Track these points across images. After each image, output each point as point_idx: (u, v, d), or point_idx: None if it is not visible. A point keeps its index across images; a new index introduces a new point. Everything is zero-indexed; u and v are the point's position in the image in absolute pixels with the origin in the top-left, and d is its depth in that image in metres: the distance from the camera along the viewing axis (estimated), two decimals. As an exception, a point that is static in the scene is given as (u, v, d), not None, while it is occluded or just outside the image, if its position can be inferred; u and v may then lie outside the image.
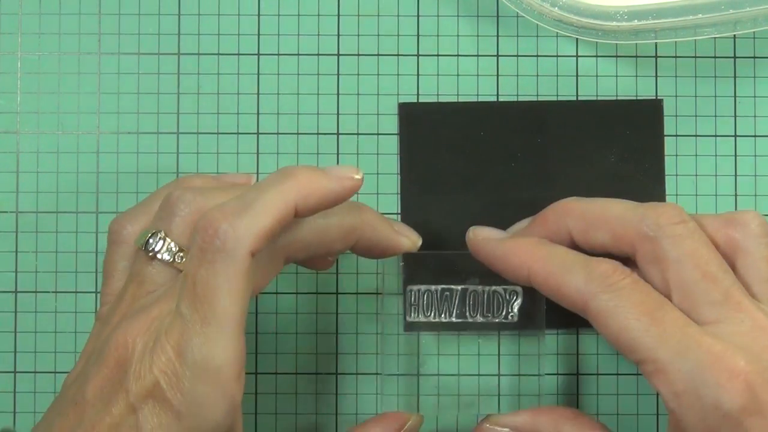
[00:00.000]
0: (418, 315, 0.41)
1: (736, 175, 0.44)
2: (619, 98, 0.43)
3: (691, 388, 0.33)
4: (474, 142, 0.42)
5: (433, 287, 0.40)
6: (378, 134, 0.44)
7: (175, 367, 0.31)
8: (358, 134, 0.44)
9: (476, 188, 0.42)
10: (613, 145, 0.42)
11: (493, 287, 0.40)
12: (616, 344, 0.34)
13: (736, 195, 0.44)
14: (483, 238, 0.39)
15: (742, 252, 0.36)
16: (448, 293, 0.40)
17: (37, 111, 0.44)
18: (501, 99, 0.43)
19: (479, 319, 0.40)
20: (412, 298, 0.41)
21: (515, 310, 0.40)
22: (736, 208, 0.44)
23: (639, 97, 0.43)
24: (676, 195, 0.44)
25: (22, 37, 0.44)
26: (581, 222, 0.37)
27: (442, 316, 0.40)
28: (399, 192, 0.43)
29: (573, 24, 0.41)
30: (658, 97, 0.41)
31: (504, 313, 0.40)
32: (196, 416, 0.31)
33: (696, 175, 0.44)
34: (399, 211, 0.43)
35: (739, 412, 0.32)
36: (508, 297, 0.40)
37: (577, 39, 0.43)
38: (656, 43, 0.43)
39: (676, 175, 0.44)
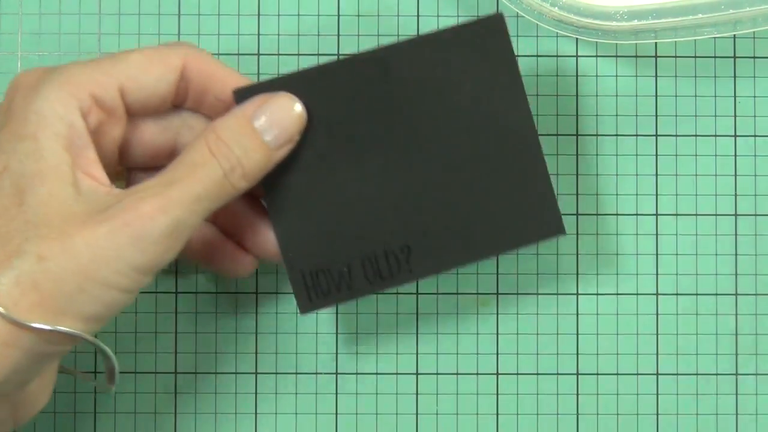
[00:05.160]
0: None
1: (735, 175, 0.44)
2: (459, 23, 0.37)
3: None
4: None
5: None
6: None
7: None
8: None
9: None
10: (466, 78, 0.36)
11: None
12: None
13: (735, 195, 0.44)
14: None
15: None
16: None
17: (37, 111, 0.44)
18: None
19: None
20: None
21: None
22: (735, 209, 0.44)
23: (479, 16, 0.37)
24: (676, 194, 0.44)
25: (22, 37, 0.44)
26: None
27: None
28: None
29: (573, 24, 0.41)
30: (498, 12, 0.37)
31: None
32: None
33: (696, 175, 0.44)
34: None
35: None
36: None
37: (577, 39, 0.43)
38: (656, 43, 0.43)
39: (676, 175, 0.44)
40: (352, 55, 0.36)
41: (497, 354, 0.44)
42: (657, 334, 0.44)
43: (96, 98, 0.32)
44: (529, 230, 0.36)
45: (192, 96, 0.35)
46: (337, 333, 0.44)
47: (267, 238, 0.37)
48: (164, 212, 0.31)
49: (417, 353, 0.44)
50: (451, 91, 0.36)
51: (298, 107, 0.35)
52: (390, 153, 0.36)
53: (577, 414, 0.44)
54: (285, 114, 0.34)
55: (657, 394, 0.44)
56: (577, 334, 0.44)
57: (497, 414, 0.44)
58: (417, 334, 0.44)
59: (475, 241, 0.36)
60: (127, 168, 0.37)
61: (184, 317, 0.44)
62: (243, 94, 0.34)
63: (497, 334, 0.44)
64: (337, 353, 0.44)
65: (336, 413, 0.44)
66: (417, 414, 0.44)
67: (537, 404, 0.44)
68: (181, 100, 0.35)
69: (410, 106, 0.36)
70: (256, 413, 0.44)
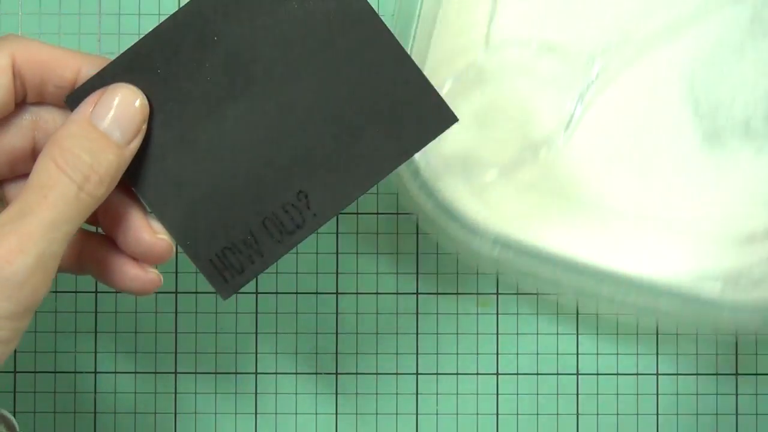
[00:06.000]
0: None
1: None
2: None
3: None
4: None
5: None
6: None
7: None
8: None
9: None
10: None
11: None
12: None
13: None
14: None
15: None
16: None
17: (37, 111, 0.44)
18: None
19: None
20: None
21: None
22: None
23: None
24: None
25: (22, 37, 0.44)
26: None
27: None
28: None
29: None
30: None
31: None
32: None
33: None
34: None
35: None
36: None
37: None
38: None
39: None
40: (170, 15, 0.33)
41: (497, 354, 0.44)
42: (656, 334, 0.44)
43: None
44: (419, 130, 0.34)
45: (31, 91, 0.32)
46: (337, 333, 0.44)
47: (144, 229, 0.33)
48: (21, 251, 0.28)
49: (417, 353, 0.44)
50: (286, 22, 0.33)
51: (135, 93, 0.32)
52: (249, 103, 0.33)
53: (577, 414, 0.44)
54: (125, 104, 0.32)
55: (657, 394, 0.44)
56: (577, 334, 0.44)
57: (497, 414, 0.44)
58: (417, 334, 0.44)
59: (369, 161, 0.34)
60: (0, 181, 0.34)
61: (184, 317, 0.44)
62: (76, 98, 0.32)
63: (497, 334, 0.44)
64: (337, 353, 0.44)
65: (336, 413, 0.44)
66: (417, 414, 0.44)
67: (537, 404, 0.44)
68: (21, 98, 0.32)
69: (251, 47, 0.33)
70: (256, 413, 0.44)
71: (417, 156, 0.39)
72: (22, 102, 0.33)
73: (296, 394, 0.44)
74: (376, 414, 0.44)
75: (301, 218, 0.34)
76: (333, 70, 0.34)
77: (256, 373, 0.44)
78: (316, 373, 0.44)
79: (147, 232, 0.33)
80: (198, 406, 0.44)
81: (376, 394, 0.44)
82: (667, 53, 0.42)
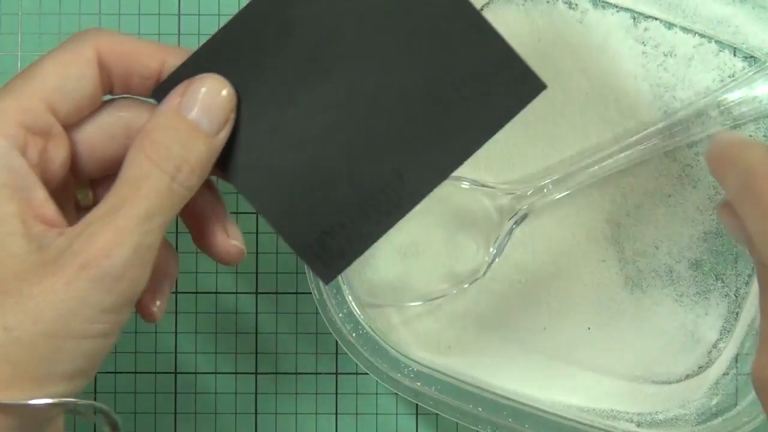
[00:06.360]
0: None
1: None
2: None
3: None
4: None
5: None
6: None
7: None
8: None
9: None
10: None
11: None
12: None
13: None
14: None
15: None
16: None
17: (37, 111, 0.44)
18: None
19: None
20: None
21: None
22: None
23: None
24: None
25: (22, 37, 0.44)
26: None
27: None
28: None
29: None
30: None
31: None
32: None
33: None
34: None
35: None
36: None
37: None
38: None
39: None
40: (249, 2, 0.33)
41: (497, 354, 0.44)
42: None
43: (28, 127, 0.30)
44: (509, 101, 0.33)
45: (117, 82, 0.32)
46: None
47: (220, 233, 0.34)
48: (118, 244, 0.28)
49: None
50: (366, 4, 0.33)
51: (222, 83, 0.32)
52: (334, 86, 0.33)
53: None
54: (212, 94, 0.31)
55: (657, 394, 0.44)
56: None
57: (497, 414, 0.44)
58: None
59: (461, 135, 0.33)
60: (90, 180, 0.34)
61: (184, 317, 0.44)
62: (162, 91, 0.32)
63: (497, 334, 0.44)
64: (337, 353, 0.44)
65: (336, 413, 0.44)
66: (417, 414, 0.44)
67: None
68: (108, 90, 0.33)
69: (332, 28, 0.33)
70: (256, 413, 0.44)
71: (344, 284, 0.40)
72: (108, 93, 0.33)
73: (296, 394, 0.44)
74: (376, 414, 0.44)
75: (397, 197, 0.33)
76: (415, 45, 0.33)
77: (257, 373, 0.44)
78: (317, 373, 0.44)
79: (221, 236, 0.33)
80: (198, 406, 0.44)
81: (377, 394, 0.44)
82: (594, 198, 0.43)
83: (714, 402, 0.42)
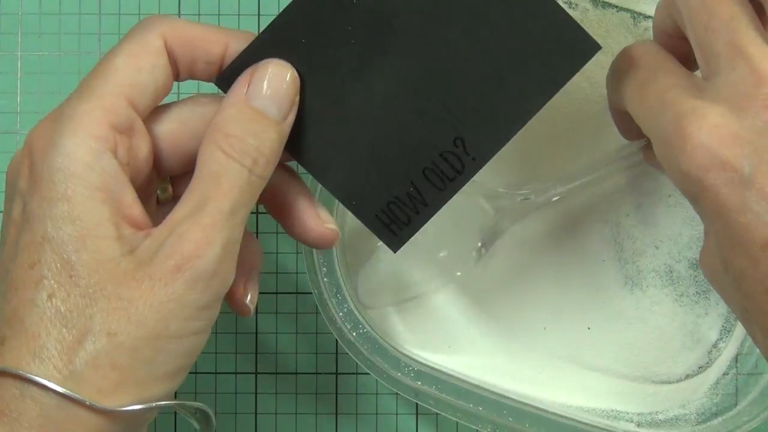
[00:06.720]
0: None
1: None
2: None
3: (663, 155, 0.31)
4: None
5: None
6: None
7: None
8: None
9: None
10: None
11: None
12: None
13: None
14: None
15: None
16: None
17: (38, 111, 0.44)
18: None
19: None
20: None
21: None
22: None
23: None
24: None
25: (22, 37, 0.44)
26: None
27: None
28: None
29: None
30: None
31: None
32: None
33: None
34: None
35: (697, 170, 0.30)
36: None
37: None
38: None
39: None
40: None
41: (497, 354, 0.44)
42: None
43: (115, 126, 0.30)
44: (564, 62, 0.34)
45: (183, 68, 0.32)
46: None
47: (313, 219, 0.34)
48: (208, 243, 0.29)
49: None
50: None
51: (285, 67, 0.32)
52: (394, 59, 0.33)
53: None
54: (277, 80, 0.32)
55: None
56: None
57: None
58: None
59: (520, 99, 0.34)
60: (170, 178, 0.34)
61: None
62: (226, 79, 0.32)
63: (497, 334, 0.44)
64: (337, 353, 0.44)
65: (336, 413, 0.44)
66: (417, 414, 0.44)
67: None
68: (175, 77, 0.33)
69: (389, 1, 0.33)
70: (256, 413, 0.44)
71: (344, 284, 0.40)
72: (176, 79, 0.33)
73: (296, 394, 0.44)
74: (376, 414, 0.44)
75: (460, 164, 0.34)
76: (469, 14, 0.33)
77: (257, 373, 0.44)
78: (316, 373, 0.44)
79: (315, 222, 0.34)
80: (198, 406, 0.44)
81: (377, 394, 0.44)
82: (594, 198, 0.43)
83: (714, 402, 0.42)
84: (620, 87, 0.35)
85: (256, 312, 0.44)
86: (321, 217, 0.34)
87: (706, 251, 0.32)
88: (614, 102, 0.36)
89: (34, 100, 0.44)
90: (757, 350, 0.42)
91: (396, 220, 0.35)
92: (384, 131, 0.34)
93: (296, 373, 0.44)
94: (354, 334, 0.40)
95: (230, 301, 0.34)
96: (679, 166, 0.30)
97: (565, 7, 0.36)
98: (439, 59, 0.33)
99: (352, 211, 0.34)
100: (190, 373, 0.43)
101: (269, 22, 0.32)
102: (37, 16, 0.44)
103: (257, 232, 0.44)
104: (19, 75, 0.44)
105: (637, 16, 0.42)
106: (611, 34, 0.42)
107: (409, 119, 0.34)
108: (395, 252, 0.35)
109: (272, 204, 0.34)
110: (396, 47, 0.33)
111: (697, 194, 0.30)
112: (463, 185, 0.34)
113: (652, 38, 0.37)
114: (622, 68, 0.35)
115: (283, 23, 0.33)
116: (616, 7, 0.42)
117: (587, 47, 0.33)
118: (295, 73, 0.32)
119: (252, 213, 0.43)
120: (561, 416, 0.41)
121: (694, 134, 0.30)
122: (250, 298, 0.34)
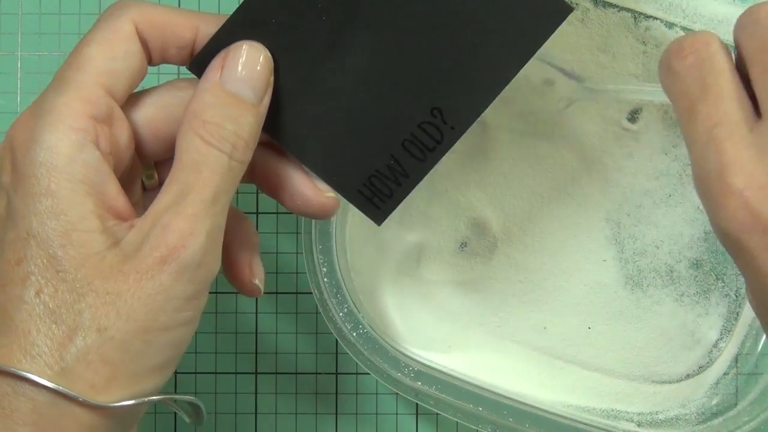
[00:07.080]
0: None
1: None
2: None
3: (703, 195, 0.31)
4: None
5: None
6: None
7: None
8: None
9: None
10: None
11: None
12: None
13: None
14: None
15: None
16: None
17: (37, 111, 0.44)
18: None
19: None
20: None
21: None
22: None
23: None
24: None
25: (22, 37, 0.44)
26: None
27: None
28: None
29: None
30: None
31: None
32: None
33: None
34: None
35: (737, 229, 0.29)
36: None
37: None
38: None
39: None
40: None
41: (497, 354, 0.44)
42: None
43: (95, 117, 0.30)
44: (537, 26, 0.33)
45: (155, 54, 0.32)
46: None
47: (311, 191, 0.34)
48: (192, 234, 0.29)
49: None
50: None
51: (258, 49, 0.32)
52: (366, 33, 0.33)
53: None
54: (251, 62, 0.31)
55: (657, 394, 0.44)
56: None
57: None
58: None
59: (495, 66, 0.33)
60: (154, 163, 0.34)
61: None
62: (199, 63, 0.32)
63: (497, 334, 0.44)
64: (337, 353, 0.44)
65: (336, 413, 0.44)
66: (417, 414, 0.44)
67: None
68: (148, 61, 0.32)
69: None
70: (256, 413, 0.44)
71: (344, 284, 0.40)
72: (150, 64, 0.32)
73: (296, 394, 0.44)
74: (376, 414, 0.44)
75: (439, 133, 0.34)
76: None
77: (257, 373, 0.44)
78: (316, 373, 0.44)
79: (314, 192, 0.34)
80: (198, 406, 0.44)
81: (377, 394, 0.44)
82: (594, 198, 0.43)
83: (714, 402, 0.42)
84: (670, 86, 0.33)
85: (256, 312, 0.44)
86: (319, 187, 0.34)
87: (747, 294, 0.32)
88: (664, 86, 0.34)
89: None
90: (758, 350, 0.42)
91: (378, 194, 0.34)
92: (360, 106, 0.34)
93: (296, 373, 0.44)
94: (354, 334, 0.40)
95: (239, 284, 0.34)
96: (718, 219, 0.30)
97: None
98: (410, 31, 0.33)
99: (334, 187, 0.34)
100: (190, 373, 0.43)
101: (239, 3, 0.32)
102: (37, 16, 0.44)
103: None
104: (19, 75, 0.44)
105: (637, 15, 0.42)
106: (612, 34, 0.42)
107: (384, 92, 0.34)
108: (379, 225, 0.35)
109: (268, 184, 0.34)
110: (366, 21, 0.33)
111: (733, 250, 0.30)
112: (443, 155, 0.34)
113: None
114: (674, 66, 0.32)
115: (253, 4, 0.32)
116: (617, 6, 0.42)
117: (559, 10, 0.33)
118: (268, 54, 0.32)
119: (252, 213, 0.44)
120: (561, 416, 0.41)
121: (737, 192, 0.29)
122: (258, 278, 0.34)
